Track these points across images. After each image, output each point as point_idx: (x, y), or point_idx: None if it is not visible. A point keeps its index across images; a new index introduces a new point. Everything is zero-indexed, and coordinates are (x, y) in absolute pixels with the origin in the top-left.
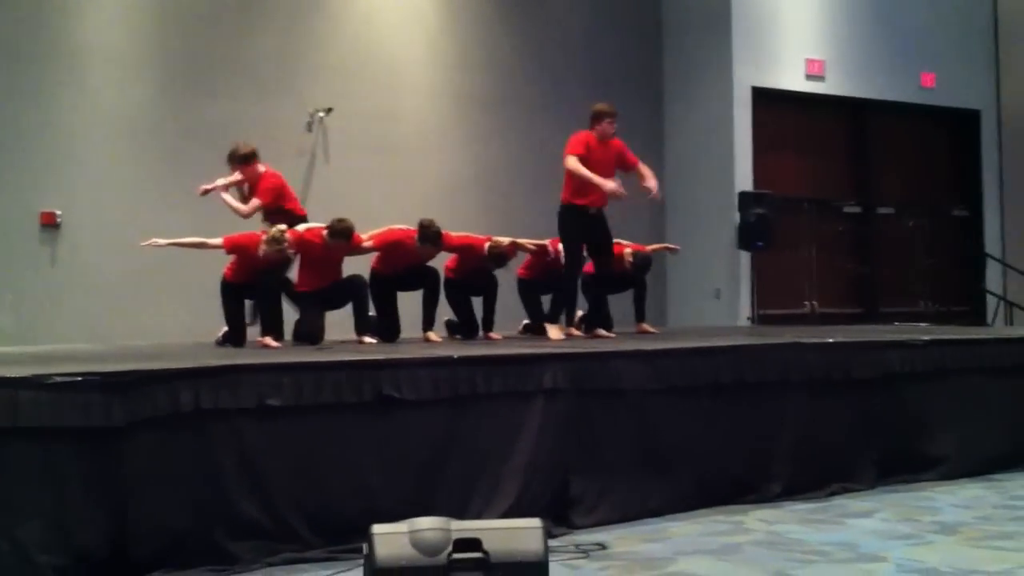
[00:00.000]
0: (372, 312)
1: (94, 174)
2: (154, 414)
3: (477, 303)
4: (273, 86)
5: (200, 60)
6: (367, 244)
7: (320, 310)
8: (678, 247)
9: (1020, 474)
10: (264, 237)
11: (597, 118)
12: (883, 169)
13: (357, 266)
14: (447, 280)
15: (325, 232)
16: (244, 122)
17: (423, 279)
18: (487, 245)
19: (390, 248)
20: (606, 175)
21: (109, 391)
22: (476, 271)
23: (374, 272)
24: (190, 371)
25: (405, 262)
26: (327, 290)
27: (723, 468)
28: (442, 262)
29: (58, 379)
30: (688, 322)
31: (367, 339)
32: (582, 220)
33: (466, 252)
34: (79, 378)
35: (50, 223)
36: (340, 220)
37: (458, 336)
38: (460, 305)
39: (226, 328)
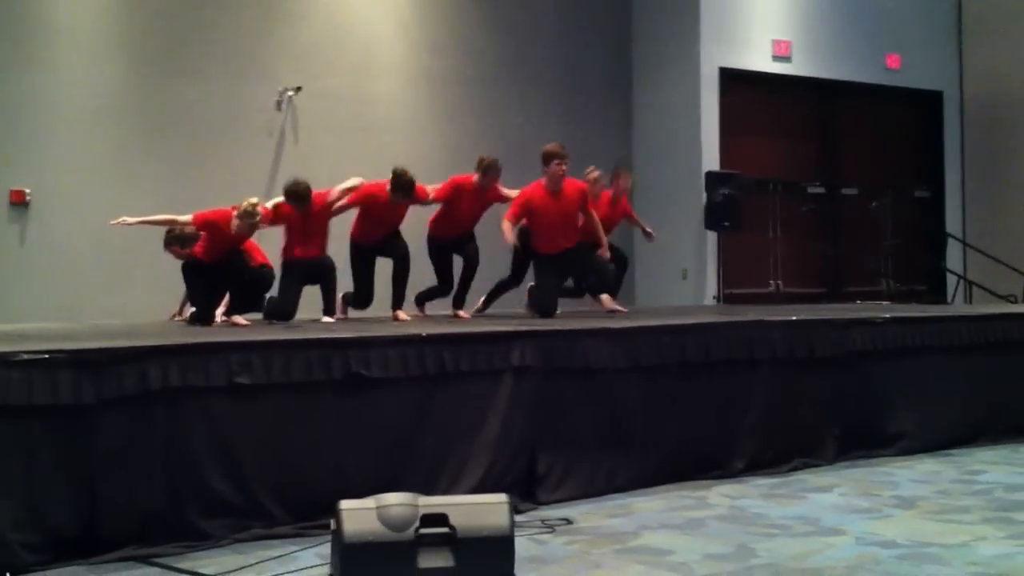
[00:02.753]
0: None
1: (63, 153)
2: (124, 392)
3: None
4: (243, 65)
5: (170, 39)
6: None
7: (300, 286)
8: (654, 235)
9: (976, 450)
10: (236, 211)
11: (545, 161)
12: (848, 150)
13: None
14: (430, 238)
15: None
16: (214, 101)
17: (395, 251)
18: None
19: (368, 205)
20: (564, 226)
21: (78, 369)
22: (460, 236)
23: (353, 240)
24: (159, 349)
25: (383, 228)
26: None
27: (688, 445)
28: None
29: (26, 356)
30: (655, 302)
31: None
32: (551, 261)
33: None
34: (47, 356)
35: (19, 202)
36: (403, 171)
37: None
38: (441, 266)
39: (192, 308)
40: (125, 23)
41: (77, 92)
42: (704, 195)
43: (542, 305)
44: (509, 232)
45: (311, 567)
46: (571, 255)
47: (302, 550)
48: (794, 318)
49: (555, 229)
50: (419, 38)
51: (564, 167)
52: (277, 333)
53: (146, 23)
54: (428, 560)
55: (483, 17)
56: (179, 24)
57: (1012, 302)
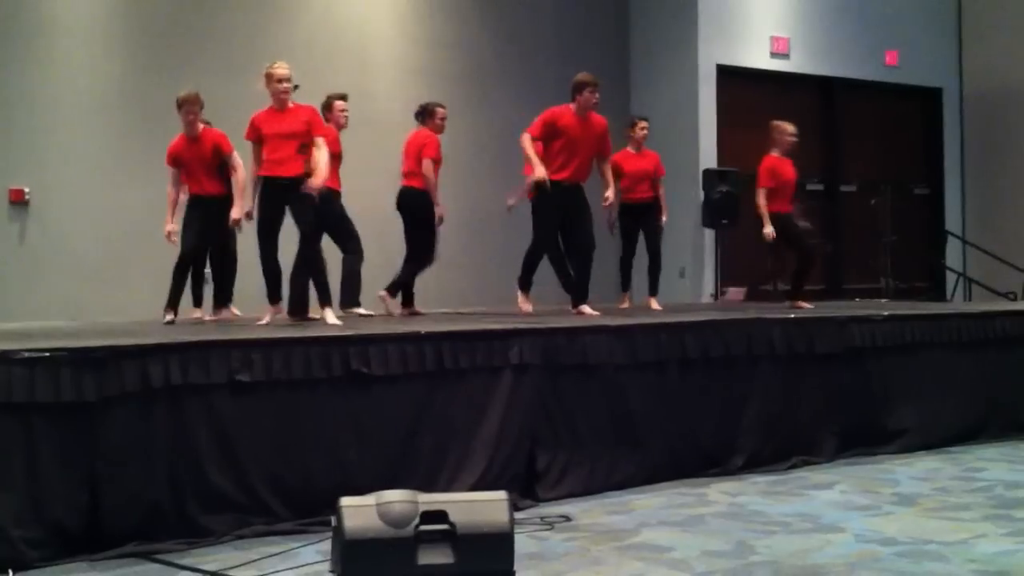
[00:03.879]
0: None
1: (62, 150)
2: (126, 389)
3: None
4: (242, 62)
5: (169, 36)
6: None
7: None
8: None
9: (977, 447)
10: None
11: (578, 89)
12: (847, 147)
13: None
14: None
15: None
16: (213, 98)
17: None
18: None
19: None
20: (584, 154)
21: (80, 366)
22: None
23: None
24: (161, 347)
25: None
26: None
27: (688, 442)
28: None
29: (28, 354)
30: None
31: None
32: (554, 197)
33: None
34: (48, 353)
35: (19, 200)
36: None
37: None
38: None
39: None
40: (123, 20)
41: (75, 89)
42: (702, 192)
43: (545, 242)
44: (528, 145)
45: (312, 563)
46: (577, 201)
47: (303, 546)
48: (793, 315)
49: (576, 152)
50: (417, 34)
51: (596, 97)
52: (277, 331)
53: (144, 20)
54: (428, 557)
55: (480, 13)
56: (177, 21)
57: (1012, 299)
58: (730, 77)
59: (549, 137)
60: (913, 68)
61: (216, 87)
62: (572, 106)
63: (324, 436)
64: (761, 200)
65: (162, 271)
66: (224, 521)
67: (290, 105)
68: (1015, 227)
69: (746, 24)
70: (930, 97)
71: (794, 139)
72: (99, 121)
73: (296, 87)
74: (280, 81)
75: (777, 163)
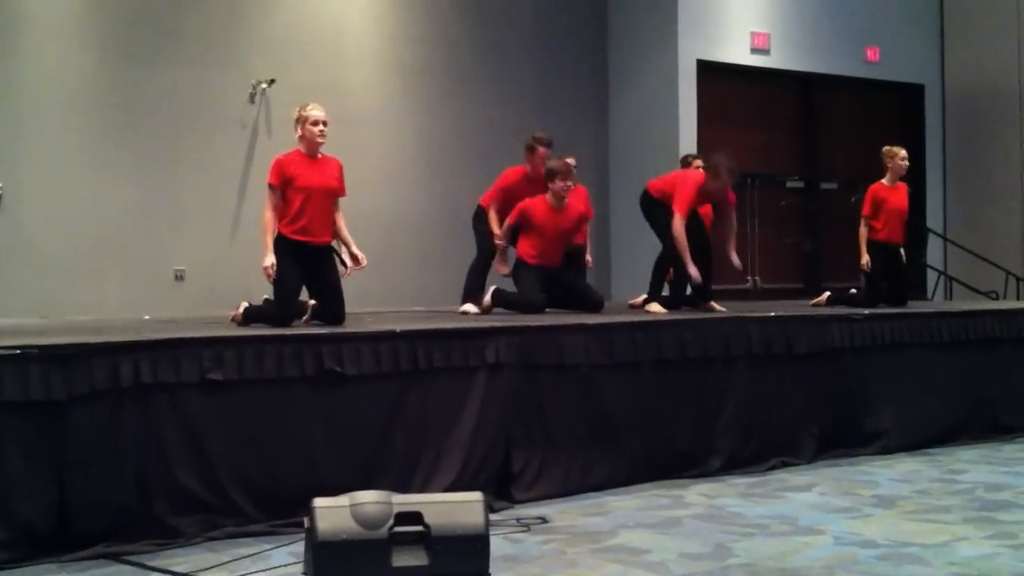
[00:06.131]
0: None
1: (34, 146)
2: (95, 388)
3: None
4: (216, 57)
5: (143, 29)
6: None
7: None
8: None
9: (957, 448)
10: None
11: (550, 178)
12: (827, 144)
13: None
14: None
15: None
16: (187, 93)
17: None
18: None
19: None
20: (557, 247)
21: (49, 364)
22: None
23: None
24: (131, 345)
25: None
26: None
27: (665, 443)
28: None
29: None
30: (634, 298)
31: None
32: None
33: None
34: (18, 351)
35: None
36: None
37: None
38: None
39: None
40: (97, 14)
41: (48, 84)
42: None
43: (526, 300)
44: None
45: (284, 565)
46: (561, 272)
47: (275, 548)
48: (772, 314)
49: (558, 243)
50: (394, 29)
51: (568, 181)
52: (250, 329)
53: (119, 14)
54: (402, 558)
55: (458, 7)
56: (152, 15)
57: (993, 298)
58: (710, 73)
59: (522, 226)
60: (895, 65)
61: (192, 82)
62: (547, 196)
63: (297, 436)
64: (862, 229)
65: (133, 269)
66: (195, 522)
67: (319, 155)
68: (997, 226)
69: (726, 20)
70: (912, 94)
71: (906, 163)
72: (72, 116)
73: (272, 81)
74: (316, 124)
75: (881, 190)
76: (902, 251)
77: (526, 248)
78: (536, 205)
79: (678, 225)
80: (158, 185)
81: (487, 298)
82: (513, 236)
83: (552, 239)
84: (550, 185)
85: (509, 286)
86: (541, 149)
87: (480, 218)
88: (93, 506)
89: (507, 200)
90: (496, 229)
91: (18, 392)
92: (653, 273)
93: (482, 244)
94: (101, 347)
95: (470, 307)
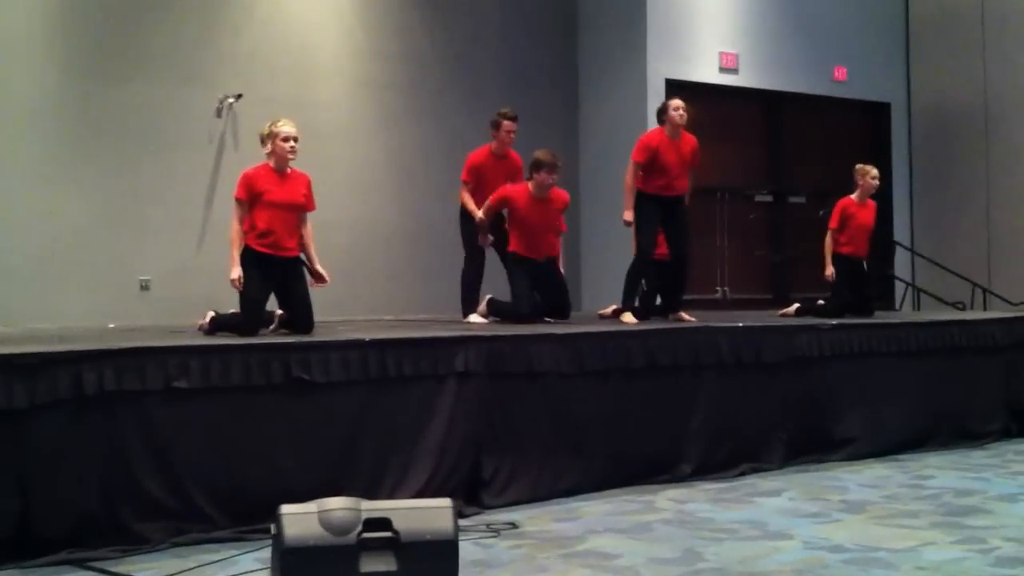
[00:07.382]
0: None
1: None
2: (58, 396)
3: None
4: (182, 71)
5: (108, 44)
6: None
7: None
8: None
9: (924, 454)
10: None
11: (535, 168)
12: (795, 159)
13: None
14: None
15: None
16: (152, 107)
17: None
18: None
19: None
20: (543, 238)
21: (10, 373)
22: None
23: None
24: (94, 353)
25: None
26: None
27: (635, 449)
28: None
29: None
30: (603, 309)
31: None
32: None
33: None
34: None
35: None
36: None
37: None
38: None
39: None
40: (62, 28)
41: (11, 96)
42: None
43: (516, 312)
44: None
45: (251, 571)
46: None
47: (242, 554)
48: (741, 324)
49: (545, 230)
50: (362, 44)
51: (553, 175)
52: (216, 338)
53: (82, 27)
54: (371, 564)
55: (427, 24)
56: (117, 29)
57: (960, 309)
58: (679, 91)
59: (505, 213)
60: (861, 84)
61: (159, 96)
62: (529, 185)
63: (265, 443)
64: (828, 241)
65: (96, 278)
66: (160, 528)
67: (288, 171)
68: (962, 238)
69: (695, 40)
70: (878, 112)
71: (876, 182)
72: (35, 129)
73: (239, 96)
74: (287, 140)
75: (850, 205)
76: (864, 264)
77: (514, 242)
78: (519, 195)
79: (630, 171)
80: (124, 197)
81: (482, 307)
82: (496, 222)
83: (537, 230)
84: (535, 175)
85: (503, 294)
86: (506, 123)
87: (465, 218)
88: (56, 513)
89: (478, 180)
90: (471, 207)
91: None
92: (625, 283)
93: (470, 251)
94: (64, 355)
95: (476, 317)
